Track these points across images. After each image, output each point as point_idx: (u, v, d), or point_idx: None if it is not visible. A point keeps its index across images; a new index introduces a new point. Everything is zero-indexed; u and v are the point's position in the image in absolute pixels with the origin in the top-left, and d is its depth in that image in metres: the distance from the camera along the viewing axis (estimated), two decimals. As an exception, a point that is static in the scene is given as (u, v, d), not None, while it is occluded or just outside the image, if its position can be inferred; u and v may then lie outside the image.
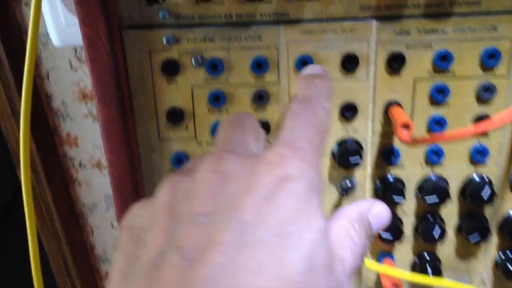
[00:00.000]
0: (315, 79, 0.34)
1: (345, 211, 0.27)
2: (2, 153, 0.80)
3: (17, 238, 0.97)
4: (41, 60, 0.67)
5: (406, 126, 0.40)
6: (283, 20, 0.42)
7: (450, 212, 0.47)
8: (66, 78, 0.69)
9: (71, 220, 0.86)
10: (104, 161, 0.77)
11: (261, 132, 0.30)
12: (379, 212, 0.28)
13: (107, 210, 0.83)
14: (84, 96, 0.70)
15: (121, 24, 0.42)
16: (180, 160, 0.47)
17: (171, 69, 0.43)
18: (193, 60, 0.43)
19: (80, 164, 0.78)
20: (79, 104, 0.71)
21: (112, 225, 0.85)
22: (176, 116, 0.45)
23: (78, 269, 0.90)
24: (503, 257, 0.47)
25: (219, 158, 0.25)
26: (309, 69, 0.39)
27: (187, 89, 0.44)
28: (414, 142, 0.40)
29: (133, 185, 0.47)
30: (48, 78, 0.69)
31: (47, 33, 0.64)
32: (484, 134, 0.43)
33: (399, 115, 0.41)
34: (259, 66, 0.43)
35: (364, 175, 0.46)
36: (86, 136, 0.74)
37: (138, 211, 0.27)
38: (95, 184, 0.80)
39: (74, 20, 0.61)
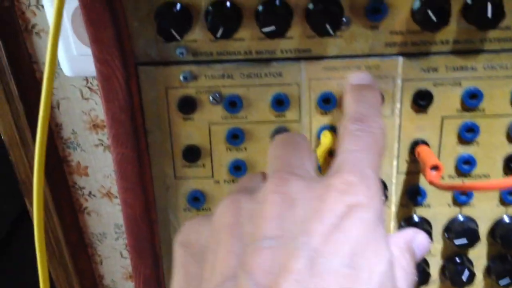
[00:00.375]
0: (365, 92, 0.34)
1: (393, 240, 0.27)
2: (10, 182, 0.79)
3: (18, 265, 0.96)
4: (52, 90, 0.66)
5: (436, 168, 0.38)
6: (304, 56, 0.40)
7: (478, 254, 0.45)
8: (77, 108, 0.67)
9: (79, 250, 0.84)
10: (114, 191, 0.75)
11: (313, 153, 0.30)
12: (422, 241, 0.29)
13: (116, 240, 0.82)
14: (95, 126, 0.69)
15: (137, 61, 0.41)
16: (196, 198, 0.45)
17: (188, 106, 0.42)
18: (211, 98, 0.41)
19: (89, 194, 0.76)
20: (89, 133, 0.70)
21: (121, 255, 0.83)
22: (192, 154, 0.43)
23: (86, 299, 0.88)
24: (535, 301, 0.45)
25: (283, 180, 0.25)
26: (357, 78, 0.37)
27: (204, 127, 0.43)
28: (443, 187, 0.38)
29: (147, 225, 0.45)
30: (58, 107, 0.68)
31: (58, 63, 0.63)
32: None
33: (428, 156, 0.39)
34: (280, 103, 0.41)
35: (388, 214, 0.44)
36: (96, 166, 0.73)
37: (195, 228, 0.27)
38: (105, 214, 0.78)
39: (86, 50, 0.60)
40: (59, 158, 0.73)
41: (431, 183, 0.38)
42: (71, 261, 0.83)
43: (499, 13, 0.36)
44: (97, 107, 0.67)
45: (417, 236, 0.29)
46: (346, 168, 0.25)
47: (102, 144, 0.71)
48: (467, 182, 0.42)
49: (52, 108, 0.69)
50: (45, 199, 0.76)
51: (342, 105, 0.35)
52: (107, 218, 0.79)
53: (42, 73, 0.67)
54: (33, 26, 0.63)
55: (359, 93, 0.33)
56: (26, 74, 0.66)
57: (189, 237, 0.27)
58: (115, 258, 0.84)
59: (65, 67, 0.62)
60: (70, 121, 0.70)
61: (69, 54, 0.61)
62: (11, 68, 0.64)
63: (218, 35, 0.38)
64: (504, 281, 0.43)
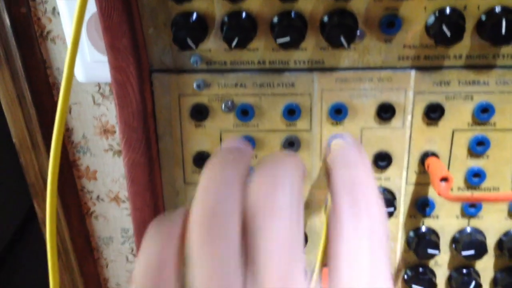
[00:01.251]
0: (357, 170, 0.25)
1: None
2: (19, 184, 0.79)
3: (25, 264, 0.96)
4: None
5: (445, 180, 0.39)
6: (317, 67, 0.41)
7: (485, 265, 0.45)
8: (88, 113, 0.68)
9: (86, 253, 0.84)
10: (122, 195, 0.76)
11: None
12: None
13: (122, 244, 0.82)
14: (105, 131, 0.70)
15: (152, 68, 0.41)
16: (206, 205, 0.45)
17: (200, 113, 0.42)
18: (223, 106, 0.42)
19: (97, 198, 0.77)
20: (100, 138, 0.71)
21: (127, 259, 0.84)
22: (203, 161, 0.44)
23: (91, 302, 0.88)
24: (542, 315, 0.45)
25: None
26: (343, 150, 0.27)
27: (216, 134, 0.43)
28: (453, 198, 0.38)
29: (157, 230, 0.46)
30: (70, 112, 0.68)
31: (71, 67, 0.63)
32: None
33: (438, 168, 0.40)
34: (291, 113, 0.42)
35: (396, 225, 0.45)
36: (105, 170, 0.74)
37: None
38: (112, 218, 0.79)
39: (99, 57, 0.61)
40: (68, 162, 0.74)
41: (440, 194, 0.38)
42: (77, 264, 0.84)
43: (512, 29, 0.36)
44: (108, 113, 0.68)
45: None
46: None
47: (112, 149, 0.71)
48: (476, 194, 0.42)
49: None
50: (53, 202, 0.77)
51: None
52: (114, 222, 0.79)
53: (55, 78, 0.67)
54: (48, 33, 0.63)
55: (350, 174, 0.24)
56: (40, 79, 0.67)
57: None
58: (121, 262, 0.84)
59: (79, 73, 0.63)
60: (81, 126, 0.70)
61: (83, 61, 0.61)
62: (25, 73, 0.65)
63: (233, 45, 0.38)
64: (511, 294, 0.43)
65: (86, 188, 0.76)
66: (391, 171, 0.43)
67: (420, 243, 0.43)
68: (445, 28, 0.36)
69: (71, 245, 0.82)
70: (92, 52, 0.59)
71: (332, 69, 0.41)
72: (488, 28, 0.36)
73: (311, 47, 0.40)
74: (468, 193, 0.43)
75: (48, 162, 0.72)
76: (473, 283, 0.44)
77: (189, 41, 0.38)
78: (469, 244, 0.42)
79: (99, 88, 0.66)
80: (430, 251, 0.43)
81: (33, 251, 0.98)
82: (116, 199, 0.77)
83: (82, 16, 0.37)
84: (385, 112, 0.41)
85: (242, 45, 0.39)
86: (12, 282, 0.95)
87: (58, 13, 0.61)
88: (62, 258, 0.85)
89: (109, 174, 0.74)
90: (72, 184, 0.76)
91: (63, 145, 0.72)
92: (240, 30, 0.38)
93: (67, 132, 0.71)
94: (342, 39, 0.37)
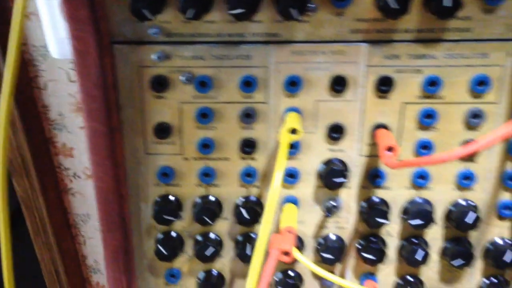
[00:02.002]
0: None
1: None
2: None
3: (18, 249, 0.98)
4: (40, 72, 0.68)
5: (390, 149, 0.40)
6: (273, 40, 0.42)
7: (434, 235, 0.47)
8: (64, 90, 0.69)
9: (63, 230, 0.86)
10: (98, 173, 0.77)
11: None
12: None
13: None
14: (81, 108, 0.71)
15: (112, 39, 0.42)
16: (165, 174, 0.47)
17: (160, 85, 0.44)
18: (182, 77, 0.43)
19: (74, 175, 0.78)
20: (75, 115, 0.72)
21: (105, 237, 0.85)
22: (163, 132, 0.45)
23: (69, 278, 0.90)
24: (487, 282, 0.47)
25: None
26: None
27: (175, 105, 0.44)
28: (397, 165, 0.39)
29: (118, 199, 0.47)
30: (46, 89, 0.69)
31: (46, 45, 0.64)
32: (469, 157, 0.43)
33: (384, 138, 0.41)
34: (248, 84, 0.43)
35: (349, 195, 0.46)
36: (82, 147, 0.75)
37: None
38: (89, 195, 0.80)
39: (72, 32, 0.62)
40: (45, 139, 0.75)
41: (385, 163, 0.39)
42: (55, 241, 0.85)
43: (456, 2, 0.38)
44: (83, 89, 0.69)
45: None
46: None
47: (87, 126, 0.73)
48: (416, 159, 0.43)
49: (40, 90, 0.70)
50: (31, 180, 0.78)
51: None
52: (91, 199, 0.80)
53: (30, 55, 0.68)
54: (23, 9, 0.64)
55: None
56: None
57: None
58: (98, 239, 0.85)
59: (53, 49, 0.64)
60: (57, 103, 0.71)
61: (57, 37, 0.62)
62: (1, 49, 0.65)
63: (188, 15, 0.39)
64: (457, 262, 0.45)
65: (63, 165, 0.77)
66: (344, 143, 0.44)
67: (370, 213, 0.44)
68: (390, 0, 0.37)
69: (49, 222, 0.83)
70: (66, 28, 0.60)
71: (287, 42, 0.42)
72: (433, 0, 0.38)
73: (266, 20, 0.41)
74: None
75: (25, 139, 0.73)
76: (421, 252, 0.45)
77: (146, 12, 0.40)
78: (417, 213, 0.44)
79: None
80: (379, 220, 0.44)
81: (25, 245, 0.99)
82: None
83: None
84: (338, 85, 0.42)
85: (197, 16, 0.40)
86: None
87: (32, -11, 0.62)
88: (41, 235, 0.86)
89: (85, 151, 0.75)
90: (49, 161, 0.77)
91: (39, 123, 0.73)
92: (195, 0, 0.39)
93: (44, 109, 0.72)
94: (292, 11, 0.38)
